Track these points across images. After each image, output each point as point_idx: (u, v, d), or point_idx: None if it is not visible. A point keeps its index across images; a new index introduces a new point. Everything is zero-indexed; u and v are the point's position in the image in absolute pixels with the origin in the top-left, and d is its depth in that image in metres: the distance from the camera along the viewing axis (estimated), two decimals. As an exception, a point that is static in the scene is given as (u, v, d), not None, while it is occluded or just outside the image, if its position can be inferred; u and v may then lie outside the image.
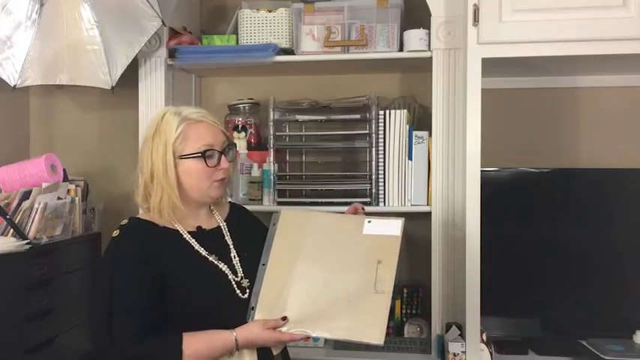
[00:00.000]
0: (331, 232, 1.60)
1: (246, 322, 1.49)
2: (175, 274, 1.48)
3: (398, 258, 1.53)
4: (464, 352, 1.92)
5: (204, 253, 1.54)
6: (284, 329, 1.47)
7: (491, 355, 1.99)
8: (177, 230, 1.55)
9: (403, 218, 1.59)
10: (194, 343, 1.43)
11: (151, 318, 1.45)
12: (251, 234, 1.64)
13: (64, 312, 2.06)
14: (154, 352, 1.44)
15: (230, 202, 1.76)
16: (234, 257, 1.58)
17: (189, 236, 1.55)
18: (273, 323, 1.46)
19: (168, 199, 1.51)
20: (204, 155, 1.51)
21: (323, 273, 1.53)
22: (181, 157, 1.51)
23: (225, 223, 1.64)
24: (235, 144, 1.64)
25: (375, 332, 1.45)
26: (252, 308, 1.50)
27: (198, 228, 1.58)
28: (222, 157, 1.55)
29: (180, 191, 1.52)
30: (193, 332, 1.44)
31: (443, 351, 1.99)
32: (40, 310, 1.93)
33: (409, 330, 2.22)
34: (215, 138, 1.55)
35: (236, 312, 1.50)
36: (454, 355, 1.93)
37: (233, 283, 1.54)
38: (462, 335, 1.95)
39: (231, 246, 1.60)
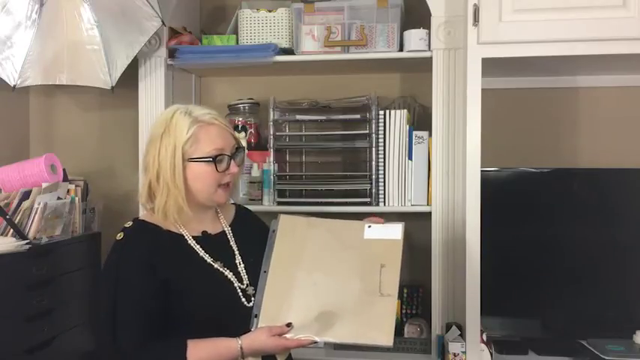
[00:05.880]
0: (332, 237, 1.59)
1: (251, 330, 1.47)
2: (180, 281, 1.47)
3: (401, 261, 1.53)
4: (464, 352, 1.92)
5: (209, 260, 1.53)
6: (289, 335, 1.45)
7: (491, 355, 1.99)
8: (182, 235, 1.53)
9: (403, 222, 1.59)
10: (198, 350, 1.42)
11: (156, 323, 1.44)
12: (257, 239, 1.61)
13: (64, 312, 2.05)
14: (158, 358, 1.43)
15: (235, 204, 1.75)
16: (240, 264, 1.56)
17: (194, 242, 1.54)
18: (278, 330, 1.45)
19: (174, 202, 1.48)
20: (215, 160, 1.49)
21: (326, 278, 1.53)
22: (191, 159, 1.49)
23: (230, 228, 1.62)
24: (244, 147, 1.61)
25: (383, 334, 1.45)
26: (256, 316, 1.49)
27: (204, 233, 1.57)
28: (232, 161, 1.53)
29: (186, 194, 1.50)
30: (198, 339, 1.43)
31: (443, 351, 1.99)
32: (40, 310, 1.93)
33: (409, 330, 2.22)
34: (226, 142, 1.53)
35: (241, 320, 1.49)
36: (454, 355, 1.93)
37: (238, 290, 1.53)
38: (462, 335, 1.95)
39: (237, 252, 1.58)
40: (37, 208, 1.93)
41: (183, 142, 1.48)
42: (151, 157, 1.51)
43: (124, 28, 2.11)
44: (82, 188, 2.21)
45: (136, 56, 2.16)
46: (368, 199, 2.17)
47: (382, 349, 1.46)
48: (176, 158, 1.48)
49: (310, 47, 2.20)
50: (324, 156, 2.42)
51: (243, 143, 2.33)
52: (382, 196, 2.16)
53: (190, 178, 1.50)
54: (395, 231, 1.58)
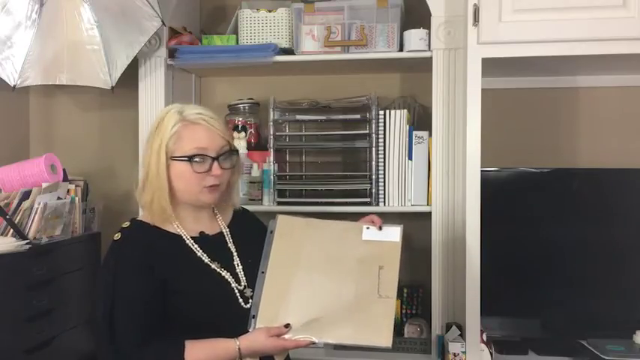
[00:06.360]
0: (330, 238, 1.59)
1: (248, 331, 1.47)
2: (178, 282, 1.47)
3: (399, 264, 1.53)
4: (464, 352, 1.92)
5: (206, 260, 1.53)
6: (287, 336, 1.45)
7: (491, 355, 1.99)
8: (180, 235, 1.53)
9: (402, 225, 1.59)
10: (196, 350, 1.42)
11: (154, 323, 1.44)
12: (255, 240, 1.61)
13: (64, 312, 2.05)
14: (156, 359, 1.43)
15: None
16: (238, 265, 1.56)
17: (192, 242, 1.53)
18: (276, 331, 1.45)
19: (157, 201, 1.49)
20: (191, 160, 1.48)
21: (324, 279, 1.52)
22: (172, 158, 1.49)
23: (228, 229, 1.62)
24: (237, 150, 1.59)
25: (382, 335, 1.45)
26: (253, 317, 1.49)
27: (201, 233, 1.56)
28: (215, 163, 1.50)
29: (173, 193, 1.50)
30: (196, 340, 1.43)
31: (443, 351, 1.99)
32: (40, 310, 1.93)
33: (409, 330, 2.22)
34: (210, 142, 1.50)
35: (239, 321, 1.48)
36: (454, 355, 1.93)
37: (236, 291, 1.52)
38: (462, 335, 1.95)
39: (235, 253, 1.58)
40: (37, 208, 1.93)
41: (167, 140, 1.48)
42: (145, 153, 1.53)
43: (124, 28, 2.11)
44: (82, 188, 2.21)
45: (136, 56, 2.16)
46: (368, 199, 2.17)
47: (382, 350, 1.46)
48: (160, 155, 1.48)
49: (310, 47, 2.20)
50: (324, 156, 2.42)
51: (243, 143, 2.33)
52: (382, 196, 2.16)
53: (173, 177, 1.50)
54: (394, 233, 1.58)
